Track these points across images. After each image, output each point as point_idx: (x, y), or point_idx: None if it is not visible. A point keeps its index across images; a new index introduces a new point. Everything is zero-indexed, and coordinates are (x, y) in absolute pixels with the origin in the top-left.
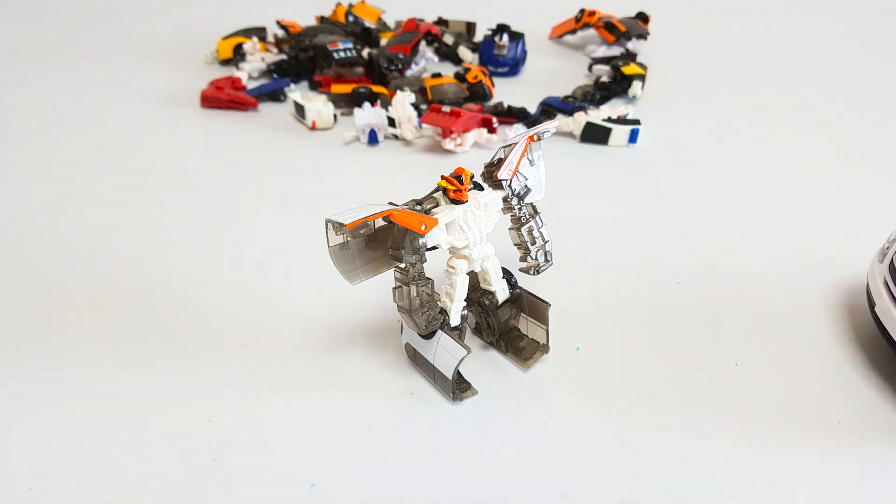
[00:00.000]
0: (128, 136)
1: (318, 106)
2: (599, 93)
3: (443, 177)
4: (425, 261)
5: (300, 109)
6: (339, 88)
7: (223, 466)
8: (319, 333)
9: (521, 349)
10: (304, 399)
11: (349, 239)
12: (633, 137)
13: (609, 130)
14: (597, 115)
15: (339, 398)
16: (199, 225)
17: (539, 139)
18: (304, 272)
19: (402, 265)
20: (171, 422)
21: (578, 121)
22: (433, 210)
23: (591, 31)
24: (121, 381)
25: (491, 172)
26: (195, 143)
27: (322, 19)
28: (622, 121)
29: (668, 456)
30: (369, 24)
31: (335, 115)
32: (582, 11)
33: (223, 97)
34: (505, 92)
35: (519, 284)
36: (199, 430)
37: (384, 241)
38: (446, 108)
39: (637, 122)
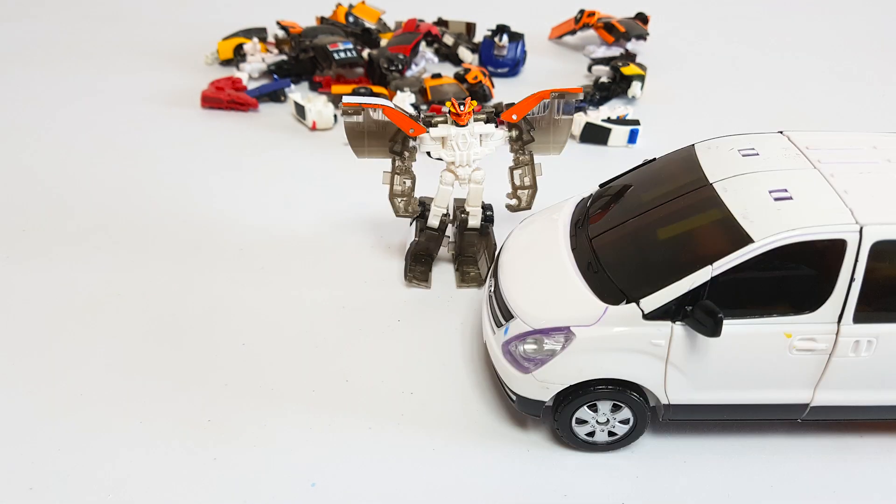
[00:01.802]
0: (128, 137)
1: (319, 106)
2: (599, 93)
3: (451, 100)
4: (415, 160)
5: (300, 110)
6: (339, 89)
7: (224, 466)
8: (320, 333)
9: (464, 272)
10: (304, 399)
11: (360, 120)
12: (632, 138)
13: (608, 131)
14: (596, 115)
15: (339, 398)
16: (200, 225)
17: (562, 98)
18: (305, 272)
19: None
20: (172, 421)
21: (578, 121)
22: (436, 122)
23: (591, 32)
24: (121, 381)
25: (500, 112)
26: (196, 144)
27: (322, 20)
28: (622, 121)
29: (667, 456)
30: (369, 24)
31: (335, 116)
32: (581, 12)
33: (224, 98)
34: (505, 92)
35: (491, 222)
36: (199, 429)
37: (390, 136)
38: (446, 109)
39: (636, 122)
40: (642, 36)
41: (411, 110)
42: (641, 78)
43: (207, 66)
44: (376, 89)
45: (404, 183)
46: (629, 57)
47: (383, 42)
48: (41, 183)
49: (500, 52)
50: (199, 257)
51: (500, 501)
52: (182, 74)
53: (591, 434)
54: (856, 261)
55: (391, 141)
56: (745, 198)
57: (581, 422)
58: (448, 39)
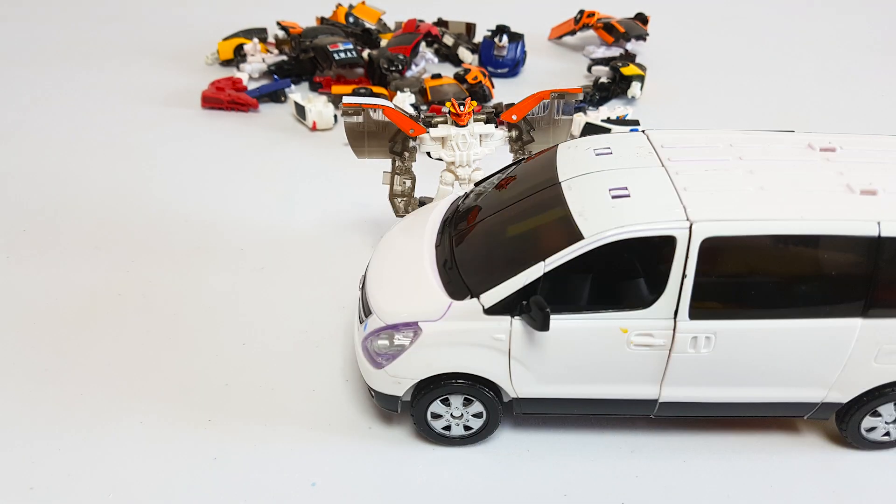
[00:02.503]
0: (128, 137)
1: (319, 107)
2: (598, 93)
3: (451, 100)
4: (415, 160)
5: (301, 110)
6: (339, 89)
7: (224, 466)
8: (319, 332)
9: None
10: (304, 399)
11: (360, 120)
12: None
13: (608, 131)
14: (596, 115)
15: (339, 398)
16: (200, 225)
17: (562, 99)
18: (305, 272)
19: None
20: (172, 421)
21: (577, 121)
22: (436, 122)
23: (591, 32)
24: (121, 380)
25: (499, 112)
26: (196, 144)
27: (322, 20)
28: (621, 121)
29: (667, 456)
30: (369, 25)
31: (335, 116)
32: (581, 12)
33: (224, 98)
34: (504, 93)
35: None
36: (199, 429)
37: (390, 137)
38: (446, 109)
39: (636, 122)
40: (642, 36)
41: (411, 111)
42: (641, 78)
43: (208, 67)
44: (376, 90)
45: (404, 183)
46: (629, 57)
47: (383, 42)
48: (42, 183)
49: (500, 53)
50: (199, 257)
51: (500, 500)
52: (182, 75)
53: (448, 428)
54: (686, 257)
55: (391, 141)
56: (586, 196)
57: (436, 416)
58: (448, 40)
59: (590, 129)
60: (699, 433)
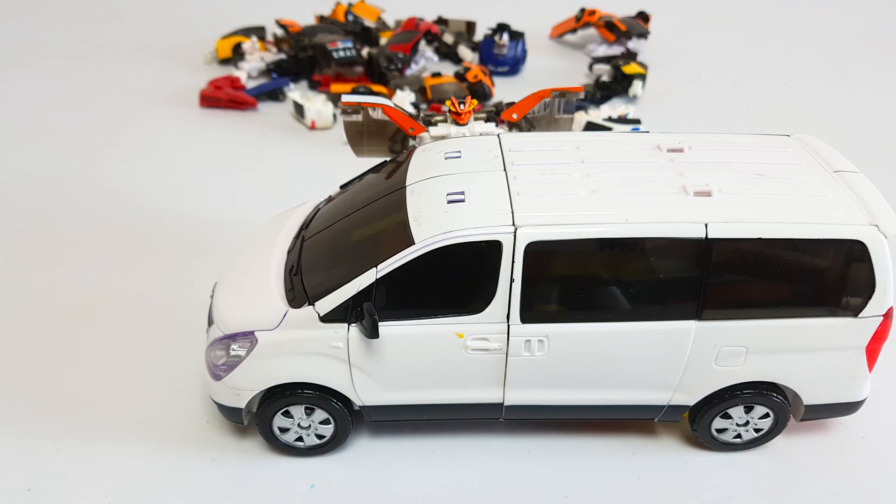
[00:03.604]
0: (127, 136)
1: (318, 105)
2: (600, 92)
3: (451, 99)
4: None
5: (299, 109)
6: (338, 88)
7: (222, 467)
8: None
9: None
10: None
11: (359, 119)
12: None
13: (609, 130)
14: (597, 114)
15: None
16: (198, 224)
17: (563, 97)
18: None
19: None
20: (171, 422)
21: (579, 120)
22: (435, 120)
23: (592, 31)
24: (120, 381)
25: (500, 111)
26: (194, 143)
27: (321, 18)
28: (623, 120)
29: (667, 456)
30: (369, 23)
31: (334, 115)
32: (582, 10)
33: (222, 97)
34: (505, 91)
35: None
36: (198, 430)
37: (390, 136)
38: (446, 108)
39: (637, 121)
40: (643, 34)
41: (411, 109)
42: (642, 77)
43: (206, 65)
44: (376, 88)
45: None
46: (630, 56)
47: (383, 41)
48: (39, 183)
49: (501, 51)
50: (197, 256)
51: (501, 501)
52: (180, 73)
53: (300, 439)
54: (513, 262)
55: (391, 140)
56: (425, 201)
57: (285, 429)
58: (448, 38)
59: (591, 128)
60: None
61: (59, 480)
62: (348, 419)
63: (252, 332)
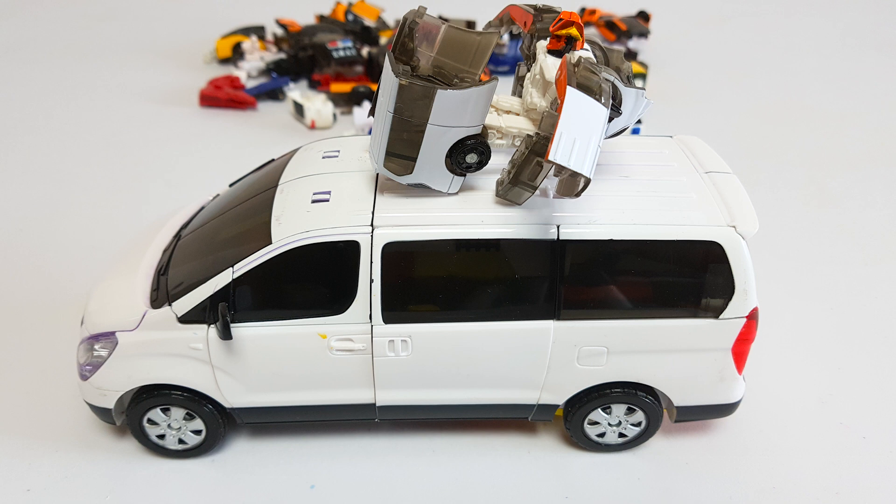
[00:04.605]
0: (126, 135)
1: (318, 105)
2: None
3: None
4: None
5: (299, 108)
6: (338, 87)
7: (222, 468)
8: None
9: None
10: None
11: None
12: None
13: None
14: None
15: None
16: None
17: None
18: None
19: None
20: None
21: None
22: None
23: (592, 30)
24: None
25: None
26: (193, 142)
27: (321, 18)
28: None
29: (668, 457)
30: (369, 22)
31: (334, 114)
32: (583, 10)
33: (222, 96)
34: (505, 91)
35: None
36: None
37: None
38: None
39: (638, 121)
40: (644, 34)
41: None
42: (643, 76)
43: (206, 65)
44: (375, 87)
45: None
46: (631, 55)
47: (383, 40)
48: (38, 182)
49: (501, 51)
50: None
51: (502, 501)
52: (180, 72)
53: (162, 437)
54: (371, 262)
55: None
56: (291, 200)
57: (154, 423)
58: None
59: None
60: (700, 435)
61: (58, 481)
62: (220, 421)
63: (113, 333)
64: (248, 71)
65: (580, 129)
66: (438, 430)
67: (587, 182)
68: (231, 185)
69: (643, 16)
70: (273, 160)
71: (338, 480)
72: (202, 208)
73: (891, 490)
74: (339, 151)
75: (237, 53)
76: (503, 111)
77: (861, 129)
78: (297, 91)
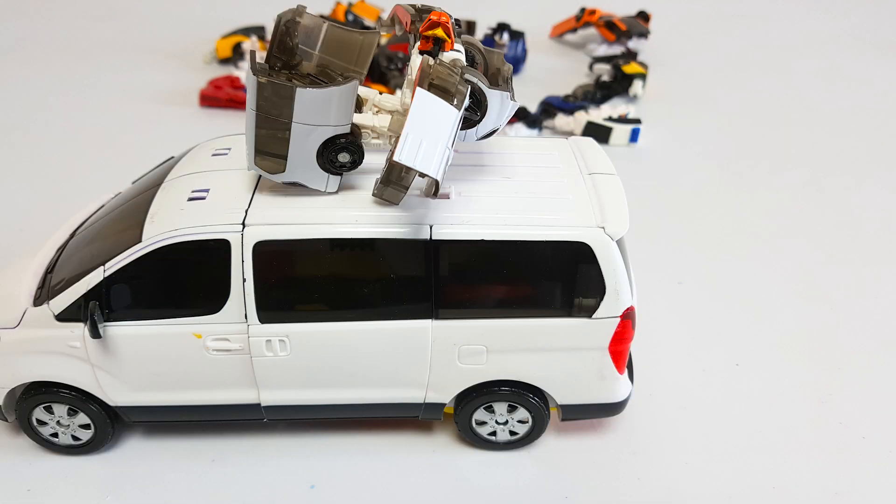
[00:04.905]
0: (126, 136)
1: None
2: (600, 92)
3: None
4: None
5: None
6: None
7: (223, 468)
8: None
9: None
10: None
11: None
12: (634, 137)
13: (610, 129)
14: (598, 114)
15: None
16: None
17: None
18: None
19: None
20: (170, 424)
21: (579, 120)
22: None
23: (592, 30)
24: None
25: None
26: (194, 142)
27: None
28: (623, 120)
29: (668, 457)
30: (369, 22)
31: None
32: (583, 10)
33: (222, 96)
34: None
35: None
36: (198, 430)
37: None
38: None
39: (638, 121)
40: (644, 34)
41: None
42: (643, 76)
43: (206, 65)
44: (375, 88)
45: None
46: (630, 55)
47: (382, 40)
48: (38, 182)
49: (501, 51)
50: None
51: (502, 502)
52: (180, 73)
53: (56, 435)
54: (242, 261)
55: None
56: (169, 198)
57: (42, 423)
58: None
59: (592, 128)
60: (700, 435)
61: (59, 480)
62: (107, 420)
63: None
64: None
65: (428, 131)
66: (441, 430)
67: (436, 183)
68: (133, 182)
69: (643, 16)
70: (172, 157)
71: (338, 480)
72: (102, 206)
73: (891, 490)
74: (230, 149)
75: (237, 53)
76: (385, 111)
77: (861, 129)
78: None
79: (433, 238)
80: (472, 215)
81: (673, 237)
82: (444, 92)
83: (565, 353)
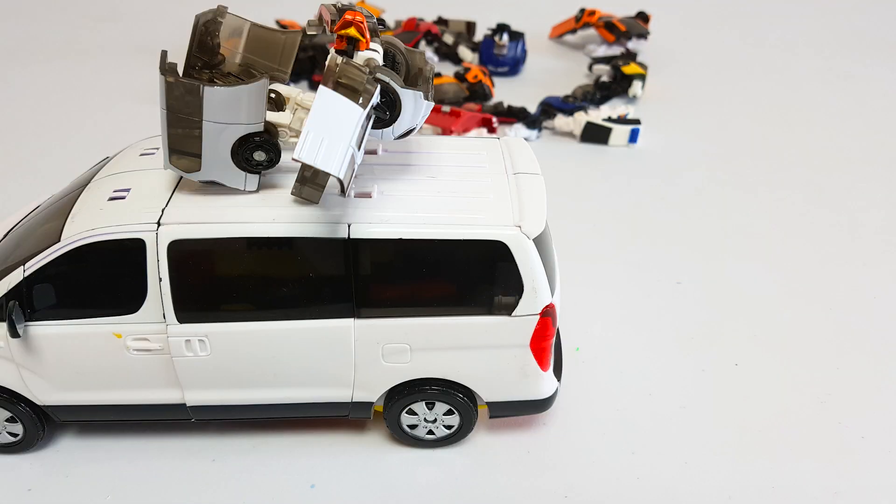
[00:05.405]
0: (126, 136)
1: None
2: (600, 92)
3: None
4: None
5: None
6: None
7: (223, 467)
8: None
9: None
10: None
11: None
12: (633, 137)
13: (609, 130)
14: (597, 114)
15: None
16: None
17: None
18: None
19: None
20: (171, 424)
21: (579, 120)
22: None
23: (592, 31)
24: None
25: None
26: None
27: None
28: (622, 120)
29: (668, 457)
30: None
31: None
32: (582, 11)
33: None
34: (505, 91)
35: None
36: (198, 430)
37: None
38: (446, 108)
39: (637, 121)
40: (643, 35)
41: None
42: (642, 77)
43: None
44: None
45: None
46: (630, 56)
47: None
48: (38, 183)
49: (501, 51)
50: None
51: (501, 501)
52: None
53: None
54: (157, 260)
55: None
56: (92, 197)
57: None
58: (448, 38)
59: (591, 129)
60: (699, 434)
61: (59, 480)
62: (34, 419)
63: None
64: None
65: (330, 128)
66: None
67: (340, 181)
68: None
69: (642, 17)
70: (107, 158)
71: (338, 480)
72: (37, 207)
73: (890, 490)
74: (157, 149)
75: None
76: (305, 109)
77: (860, 130)
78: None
79: (351, 237)
80: (391, 214)
81: (672, 237)
82: (351, 91)
83: (488, 350)
